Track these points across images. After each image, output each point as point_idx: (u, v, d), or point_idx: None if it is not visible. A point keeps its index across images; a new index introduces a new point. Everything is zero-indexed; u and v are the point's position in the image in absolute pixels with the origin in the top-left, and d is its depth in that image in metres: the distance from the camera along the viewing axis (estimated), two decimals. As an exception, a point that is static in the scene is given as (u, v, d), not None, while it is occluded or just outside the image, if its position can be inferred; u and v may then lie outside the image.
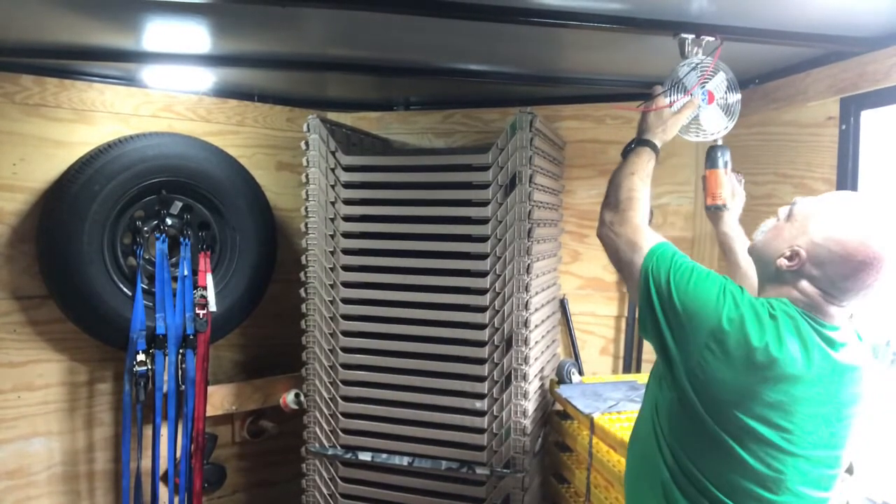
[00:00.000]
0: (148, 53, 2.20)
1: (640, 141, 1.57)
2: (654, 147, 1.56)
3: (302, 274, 2.40)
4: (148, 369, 2.42)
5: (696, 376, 1.21)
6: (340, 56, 2.28)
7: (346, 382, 2.36)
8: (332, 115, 2.87)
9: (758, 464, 1.20)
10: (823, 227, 1.21)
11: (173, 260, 2.52)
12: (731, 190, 1.69)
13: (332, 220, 2.34)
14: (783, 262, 1.24)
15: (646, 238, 1.38)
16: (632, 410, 2.14)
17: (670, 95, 1.64)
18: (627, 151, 1.58)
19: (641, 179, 1.49)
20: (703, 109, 1.67)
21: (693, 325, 1.22)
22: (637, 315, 1.35)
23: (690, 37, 1.72)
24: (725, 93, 1.69)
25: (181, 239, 2.50)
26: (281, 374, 2.85)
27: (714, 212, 1.70)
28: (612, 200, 1.49)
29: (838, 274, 1.19)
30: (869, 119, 1.90)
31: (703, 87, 1.67)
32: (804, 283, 1.23)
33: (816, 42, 1.84)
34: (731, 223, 1.68)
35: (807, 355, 1.19)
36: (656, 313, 1.28)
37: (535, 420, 2.36)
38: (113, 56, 2.21)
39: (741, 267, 1.63)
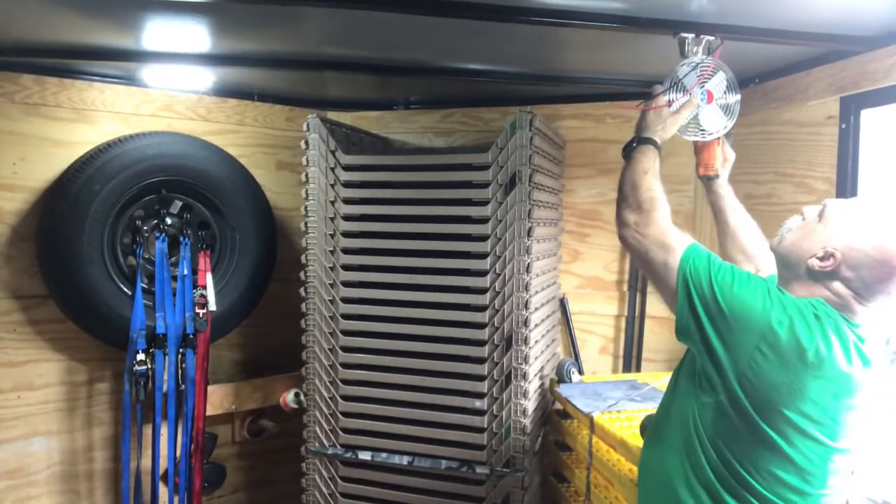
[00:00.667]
0: (148, 53, 2.20)
1: (642, 139, 1.57)
2: (656, 145, 1.56)
3: (302, 273, 2.40)
4: (148, 369, 2.42)
5: (748, 378, 1.23)
6: (340, 55, 2.28)
7: (345, 382, 2.36)
8: (332, 115, 2.87)
9: (800, 458, 1.24)
10: (862, 230, 1.23)
11: (173, 259, 2.52)
12: (722, 157, 1.72)
13: (332, 219, 2.34)
14: (815, 262, 1.26)
15: (675, 238, 1.37)
16: (631, 409, 2.14)
17: (669, 95, 1.64)
18: (629, 150, 1.57)
19: (656, 178, 1.48)
20: (702, 109, 1.67)
21: (742, 327, 1.24)
22: (677, 320, 1.33)
23: (690, 36, 1.72)
24: (725, 92, 1.69)
25: (181, 238, 2.50)
26: (281, 373, 2.85)
27: (706, 181, 1.74)
28: (633, 202, 1.45)
29: (873, 277, 1.22)
30: (869, 118, 1.90)
31: (703, 86, 1.67)
32: (837, 285, 1.25)
33: (817, 41, 1.84)
34: (723, 185, 1.72)
35: (847, 353, 1.21)
36: (700, 318, 1.28)
37: (535, 419, 2.36)
38: (113, 55, 2.21)
39: (730, 226, 1.67)
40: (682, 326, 1.32)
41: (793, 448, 1.23)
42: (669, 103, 1.62)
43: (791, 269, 1.32)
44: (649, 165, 1.50)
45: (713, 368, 1.28)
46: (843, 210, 1.28)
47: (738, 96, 1.71)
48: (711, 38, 1.71)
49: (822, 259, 1.25)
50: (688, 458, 1.33)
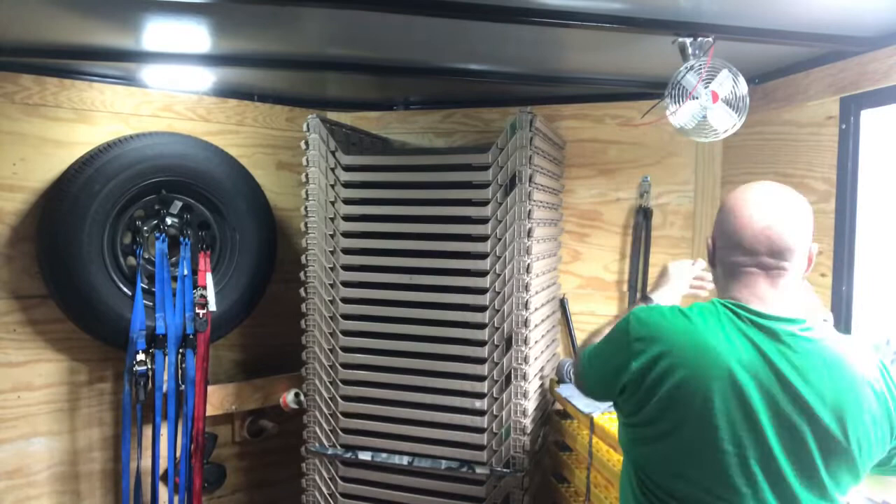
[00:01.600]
0: (148, 53, 2.20)
1: (643, 297, 1.73)
2: (648, 302, 1.68)
3: (302, 273, 2.40)
4: (148, 369, 2.42)
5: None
6: (340, 56, 2.28)
7: (345, 382, 2.36)
8: (332, 115, 2.87)
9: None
10: (718, 212, 1.36)
11: (173, 259, 2.52)
12: None
13: (332, 219, 2.34)
14: (707, 256, 1.39)
15: (585, 383, 1.51)
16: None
17: (672, 101, 1.64)
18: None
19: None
20: (709, 109, 1.67)
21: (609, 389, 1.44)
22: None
23: (689, 40, 1.72)
24: (732, 88, 1.69)
25: (181, 238, 2.50)
26: (281, 373, 2.85)
27: None
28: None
29: (736, 226, 1.28)
30: (869, 119, 1.90)
31: (707, 87, 1.67)
32: (725, 257, 1.32)
33: (816, 41, 1.84)
34: None
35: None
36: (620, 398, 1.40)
37: (535, 419, 2.36)
38: (113, 56, 2.21)
39: None
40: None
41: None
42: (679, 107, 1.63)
43: (715, 282, 1.42)
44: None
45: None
46: None
47: (746, 90, 1.70)
48: (708, 38, 1.71)
49: (709, 250, 1.37)
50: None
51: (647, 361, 1.26)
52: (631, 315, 1.33)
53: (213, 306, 2.52)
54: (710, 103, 1.67)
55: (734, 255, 1.29)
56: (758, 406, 1.19)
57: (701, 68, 1.67)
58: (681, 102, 1.64)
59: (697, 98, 1.64)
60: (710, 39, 1.70)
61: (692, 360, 1.22)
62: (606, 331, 1.46)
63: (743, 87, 1.70)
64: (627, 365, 1.28)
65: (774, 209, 1.26)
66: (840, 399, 1.19)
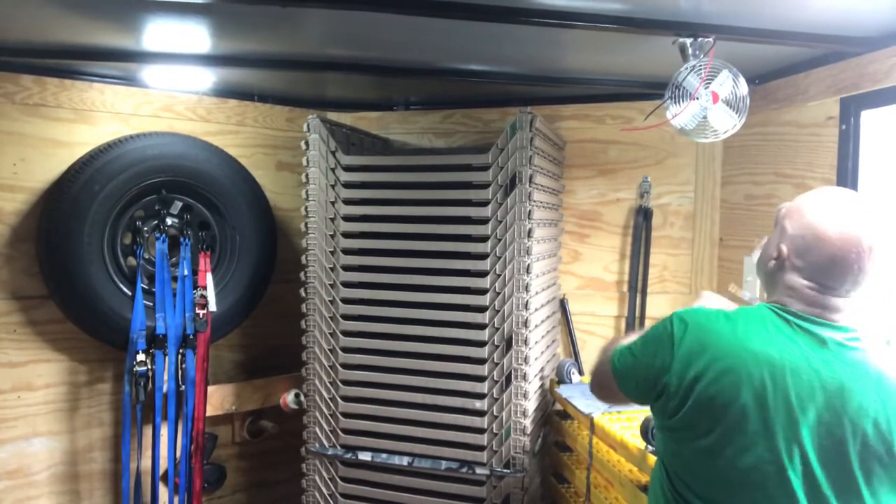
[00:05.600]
0: (148, 53, 2.20)
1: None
2: None
3: (302, 274, 2.40)
4: (148, 369, 2.42)
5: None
6: (340, 56, 2.28)
7: (346, 382, 2.36)
8: (332, 115, 2.87)
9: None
10: (798, 218, 1.24)
11: (173, 260, 2.52)
12: None
13: (332, 219, 2.34)
14: (772, 263, 1.27)
15: (608, 374, 1.44)
16: (632, 410, 2.14)
17: (673, 103, 1.64)
18: None
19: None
20: (709, 110, 1.67)
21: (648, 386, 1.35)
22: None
23: (689, 40, 1.72)
24: (732, 89, 1.69)
25: (181, 239, 2.50)
26: (281, 374, 2.85)
27: None
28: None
29: (820, 259, 1.20)
30: (869, 119, 1.90)
31: (707, 87, 1.67)
32: (792, 278, 1.24)
33: (816, 42, 1.84)
34: None
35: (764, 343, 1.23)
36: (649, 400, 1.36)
37: (535, 420, 2.36)
38: (113, 56, 2.21)
39: None
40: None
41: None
42: (674, 115, 1.62)
43: (764, 281, 1.35)
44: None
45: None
46: (786, 209, 1.29)
47: (746, 90, 1.70)
48: (709, 39, 1.71)
49: (776, 259, 1.27)
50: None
51: (688, 364, 1.22)
52: (673, 316, 1.29)
53: (213, 306, 2.52)
54: (711, 104, 1.67)
55: (807, 282, 1.22)
56: (798, 415, 1.16)
57: (702, 69, 1.66)
58: (681, 103, 1.64)
59: (698, 99, 1.64)
60: (711, 40, 1.70)
61: (733, 365, 1.19)
62: (633, 335, 1.43)
63: (743, 88, 1.70)
64: (668, 366, 1.25)
65: (874, 252, 1.18)
66: (883, 412, 1.16)
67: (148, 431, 2.53)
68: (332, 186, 2.33)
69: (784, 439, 1.16)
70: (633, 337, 1.42)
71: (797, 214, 1.25)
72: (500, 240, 2.17)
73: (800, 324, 1.21)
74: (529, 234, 2.15)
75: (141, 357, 2.40)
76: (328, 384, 2.38)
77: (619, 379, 1.40)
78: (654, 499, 1.40)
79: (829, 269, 1.20)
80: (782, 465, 1.16)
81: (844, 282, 1.20)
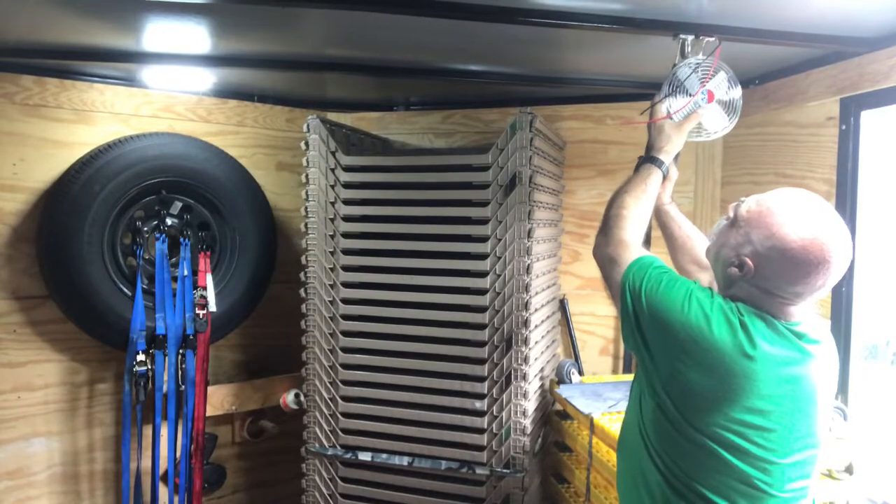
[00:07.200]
0: (148, 54, 2.20)
1: (645, 158, 1.58)
2: (656, 162, 1.55)
3: (302, 274, 2.40)
4: (148, 369, 2.42)
5: (673, 385, 1.24)
6: (340, 56, 2.29)
7: (345, 382, 2.36)
8: (332, 116, 2.87)
9: (743, 465, 1.22)
10: (765, 235, 1.21)
11: (173, 260, 2.52)
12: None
13: (332, 220, 2.34)
14: (734, 271, 1.25)
15: (630, 252, 1.37)
16: (632, 410, 2.14)
17: (671, 100, 1.63)
18: (636, 168, 1.58)
19: (634, 196, 1.48)
20: (703, 109, 1.66)
21: (664, 334, 1.24)
22: (621, 329, 1.37)
23: (690, 37, 1.72)
24: (727, 91, 1.69)
25: (181, 239, 2.50)
26: (281, 374, 2.85)
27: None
28: (603, 220, 1.48)
29: (787, 280, 1.20)
30: (869, 119, 1.91)
31: (705, 86, 1.67)
32: (757, 291, 1.24)
33: (816, 42, 1.84)
34: (666, 202, 1.68)
35: (780, 355, 1.21)
36: (632, 324, 1.30)
37: (535, 420, 2.36)
38: (113, 56, 2.21)
39: (678, 239, 1.66)
40: (624, 335, 1.35)
41: (734, 455, 1.21)
42: (671, 114, 1.61)
43: (719, 275, 1.33)
44: (634, 185, 1.51)
45: (646, 375, 1.30)
46: (751, 213, 1.25)
47: (740, 93, 1.70)
48: (711, 38, 1.71)
49: (738, 267, 1.24)
50: (642, 462, 1.34)
51: (692, 333, 1.21)
52: (694, 288, 1.26)
53: (213, 307, 2.52)
54: (706, 103, 1.67)
55: (778, 291, 1.22)
56: (797, 416, 1.23)
57: (707, 68, 1.66)
58: (677, 96, 1.64)
59: (696, 96, 1.64)
60: (715, 40, 1.69)
61: (721, 367, 1.20)
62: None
63: (737, 90, 1.69)
64: (684, 312, 1.23)
65: (841, 269, 1.20)
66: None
67: (148, 432, 2.53)
68: (332, 187, 2.33)
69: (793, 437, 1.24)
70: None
71: (764, 227, 1.21)
72: (500, 240, 2.17)
73: (788, 328, 1.24)
74: (529, 234, 2.15)
75: (141, 357, 2.40)
76: (328, 384, 2.38)
77: (631, 248, 1.38)
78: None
79: (795, 290, 1.21)
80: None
81: (810, 296, 1.22)
